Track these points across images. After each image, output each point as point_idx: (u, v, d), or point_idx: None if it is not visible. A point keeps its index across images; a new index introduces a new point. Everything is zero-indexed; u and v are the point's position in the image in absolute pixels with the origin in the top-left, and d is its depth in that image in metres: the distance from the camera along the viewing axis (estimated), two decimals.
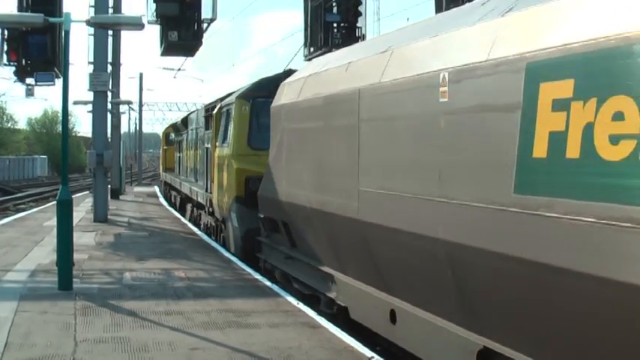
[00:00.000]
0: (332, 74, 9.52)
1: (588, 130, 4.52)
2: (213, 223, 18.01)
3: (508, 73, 5.38)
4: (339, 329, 8.54)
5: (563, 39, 4.85)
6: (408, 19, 76.05)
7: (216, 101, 18.91)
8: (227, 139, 15.42)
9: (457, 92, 6.09)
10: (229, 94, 17.19)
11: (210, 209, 18.03)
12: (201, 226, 20.56)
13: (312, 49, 25.71)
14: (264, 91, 14.01)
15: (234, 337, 8.13)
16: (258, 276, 12.18)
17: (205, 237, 17.84)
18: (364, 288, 8.44)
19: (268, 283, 11.48)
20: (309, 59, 25.12)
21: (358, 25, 25.85)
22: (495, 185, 5.44)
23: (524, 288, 5.34)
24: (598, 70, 4.51)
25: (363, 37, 25.51)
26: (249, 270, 12.76)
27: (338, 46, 23.98)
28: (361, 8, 25.78)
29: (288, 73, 13.53)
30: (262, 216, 12.45)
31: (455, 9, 8.15)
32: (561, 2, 5.08)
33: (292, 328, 8.64)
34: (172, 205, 29.95)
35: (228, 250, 15.23)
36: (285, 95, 11.35)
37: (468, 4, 7.55)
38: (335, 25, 25.66)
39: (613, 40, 4.40)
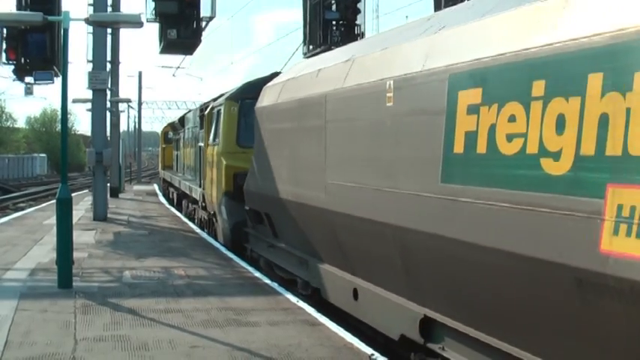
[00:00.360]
0: (305, 79, 10.45)
1: (492, 129, 5.54)
2: (206, 217, 18.81)
3: (436, 82, 6.40)
4: (339, 327, 8.55)
5: (474, 54, 5.89)
6: (407, 16, 76.02)
7: (210, 101, 19.62)
8: (217, 137, 16.26)
9: (400, 98, 7.13)
10: (221, 95, 17.83)
11: (203, 204, 18.94)
12: (196, 220, 21.36)
13: (311, 47, 25.71)
14: (251, 92, 14.55)
15: (234, 335, 8.14)
16: (257, 274, 12.18)
17: (205, 235, 17.85)
18: (332, 270, 9.54)
19: (268, 281, 11.48)
20: (308, 57, 25.11)
21: (357, 22, 25.86)
22: (428, 176, 6.45)
23: (449, 263, 6.36)
24: (497, 81, 5.53)
25: (362, 35, 25.52)
26: (249, 268, 12.77)
27: (337, 44, 23.98)
28: (360, 6, 25.78)
29: (273, 75, 14.04)
30: (248, 208, 13.51)
31: (408, 22, 9.17)
32: (472, 24, 6.22)
33: (292, 325, 8.64)
34: (170, 201, 30.58)
35: (219, 242, 16.12)
36: (266, 98, 12.35)
37: (417, 19, 8.57)
38: (334, 22, 25.66)
39: (508, 56, 5.41)
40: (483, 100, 5.66)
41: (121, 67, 31.65)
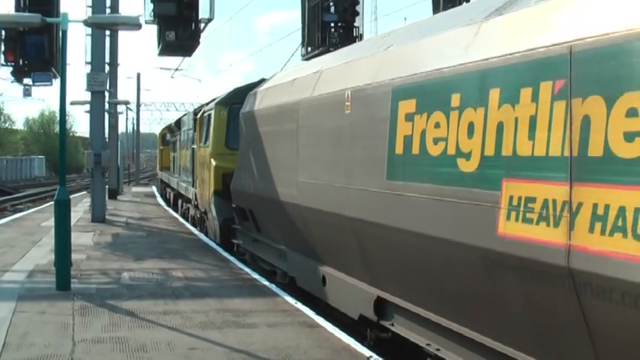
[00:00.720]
0: (283, 88, 11.65)
1: (423, 134, 6.66)
2: (199, 215, 20.09)
3: (383, 93, 7.52)
4: (337, 329, 8.56)
5: (410, 70, 7.07)
6: (405, 18, 76.02)
7: (204, 105, 20.73)
8: (208, 140, 17.41)
9: (356, 106, 8.33)
10: (213, 100, 18.85)
11: (196, 202, 20.21)
12: (189, 218, 22.56)
13: (309, 49, 25.73)
14: (239, 98, 15.34)
15: (233, 337, 8.14)
16: (256, 275, 12.19)
17: (203, 237, 17.85)
18: (305, 260, 10.68)
19: (266, 283, 11.49)
20: (307, 59, 25.11)
21: (355, 24, 25.87)
22: (376, 174, 7.54)
23: (394, 249, 7.45)
24: (426, 93, 6.71)
25: (361, 37, 25.53)
26: (246, 269, 12.78)
27: (335, 46, 23.98)
28: (358, 8, 25.79)
29: (260, 82, 14.87)
30: (234, 206, 14.60)
31: (366, 40, 10.38)
32: (411, 44, 7.46)
33: (290, 327, 8.65)
34: (167, 201, 31.47)
35: (209, 238, 17.45)
36: (249, 104, 13.58)
37: (373, 37, 9.67)
38: (332, 24, 25.68)
39: (433, 72, 6.59)
40: (417, 109, 6.82)
41: (119, 68, 31.68)
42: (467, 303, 6.38)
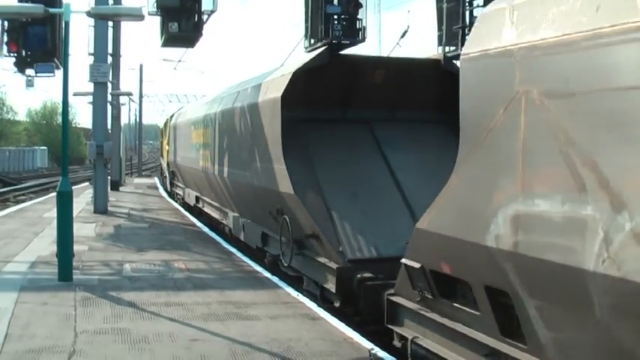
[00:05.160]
0: (187, 111, 25.55)
1: (191, 138, 22.52)
2: (164, 179, 35.77)
3: (188, 123, 22.71)
4: (339, 321, 8.56)
5: (196, 115, 22.12)
6: (409, 11, 75.93)
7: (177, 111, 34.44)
8: (165, 135, 32.55)
9: (192, 127, 21.77)
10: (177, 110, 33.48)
11: (165, 173, 35.14)
12: (166, 184, 34.14)
13: (312, 41, 25.65)
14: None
15: (234, 329, 8.15)
16: (258, 267, 12.20)
17: (206, 229, 17.88)
18: (190, 191, 23.19)
19: (268, 275, 11.50)
20: (310, 50, 25.05)
21: (359, 17, 25.80)
22: (194, 151, 21.58)
23: (196, 175, 21.00)
24: (195, 124, 21.56)
25: (364, 30, 25.46)
26: (249, 262, 12.79)
27: (339, 38, 23.95)
28: (362, 0, 25.70)
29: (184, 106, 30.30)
30: (171, 170, 29.08)
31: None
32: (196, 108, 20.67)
33: (292, 319, 8.65)
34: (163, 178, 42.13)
35: (165, 190, 32.43)
36: (173, 118, 28.12)
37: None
38: (335, 17, 25.60)
39: (198, 119, 21.50)
40: (195, 129, 21.05)
41: (122, 60, 31.60)
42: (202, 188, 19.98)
